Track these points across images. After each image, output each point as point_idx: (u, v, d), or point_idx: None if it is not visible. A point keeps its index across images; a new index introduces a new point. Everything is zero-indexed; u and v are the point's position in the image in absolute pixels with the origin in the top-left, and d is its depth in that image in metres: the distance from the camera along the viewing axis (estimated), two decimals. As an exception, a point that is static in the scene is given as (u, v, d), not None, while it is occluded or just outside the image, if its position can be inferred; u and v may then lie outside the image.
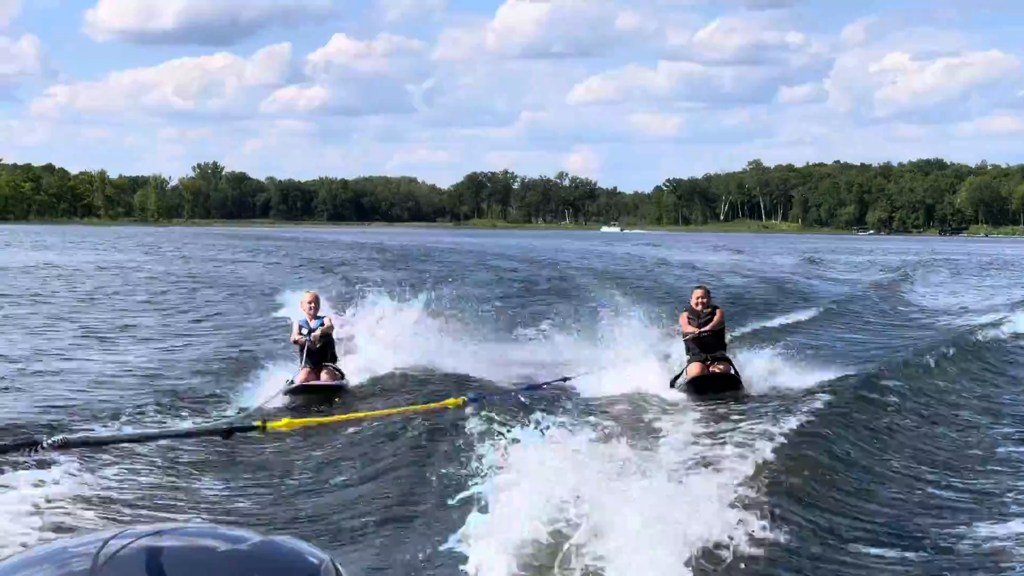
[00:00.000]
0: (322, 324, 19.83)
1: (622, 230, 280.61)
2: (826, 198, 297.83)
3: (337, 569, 2.91)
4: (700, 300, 20.58)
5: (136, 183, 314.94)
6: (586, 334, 24.12)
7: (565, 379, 19.06)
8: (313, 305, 20.00)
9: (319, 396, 19.27)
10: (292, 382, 19.14)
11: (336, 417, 14.93)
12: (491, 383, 20.08)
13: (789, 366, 21.42)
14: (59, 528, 10.54)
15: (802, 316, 36.52)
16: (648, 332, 23.18)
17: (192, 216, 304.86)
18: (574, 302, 35.09)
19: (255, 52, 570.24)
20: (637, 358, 21.14)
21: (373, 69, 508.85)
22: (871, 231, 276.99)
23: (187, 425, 15.18)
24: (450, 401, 14.67)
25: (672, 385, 20.02)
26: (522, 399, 17.25)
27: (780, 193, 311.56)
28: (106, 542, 2.80)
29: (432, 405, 15.24)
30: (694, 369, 19.96)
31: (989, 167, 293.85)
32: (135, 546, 2.79)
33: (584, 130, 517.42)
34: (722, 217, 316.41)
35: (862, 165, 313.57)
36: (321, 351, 19.64)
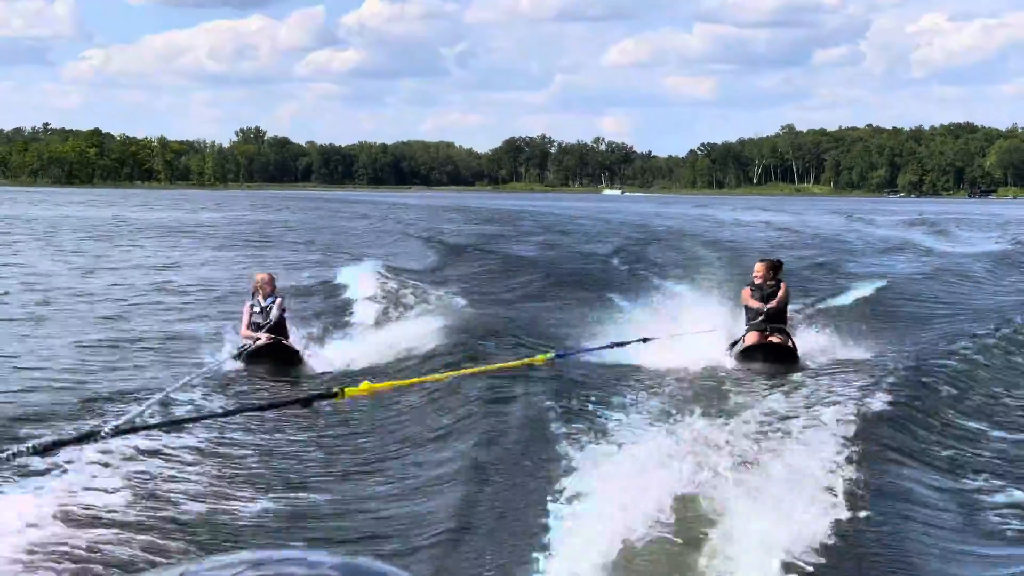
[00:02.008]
0: (277, 301, 19.69)
1: (623, 193, 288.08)
2: (858, 161, 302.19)
3: None
4: (763, 274, 20.30)
5: (191, 147, 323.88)
6: (657, 306, 23.96)
7: (645, 340, 17.90)
8: (268, 285, 19.75)
9: (281, 364, 18.93)
10: (246, 346, 18.93)
11: (417, 379, 14.03)
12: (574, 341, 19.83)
13: (850, 339, 21.12)
14: (129, 522, 9.99)
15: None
16: (717, 304, 23.15)
17: (238, 180, 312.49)
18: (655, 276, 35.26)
19: (289, 14, 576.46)
20: (710, 326, 20.65)
21: (406, 32, 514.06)
22: (901, 194, 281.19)
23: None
24: (539, 358, 14.77)
25: (730, 351, 19.85)
26: (604, 357, 17.04)
27: (812, 156, 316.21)
28: (188, 574, 2.90)
29: (520, 362, 14.67)
30: (751, 338, 19.75)
31: (1020, 130, 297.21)
32: (222, 574, 2.90)
33: (618, 93, 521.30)
34: (755, 181, 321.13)
35: (894, 129, 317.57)
36: (276, 328, 19.38)
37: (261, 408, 12.48)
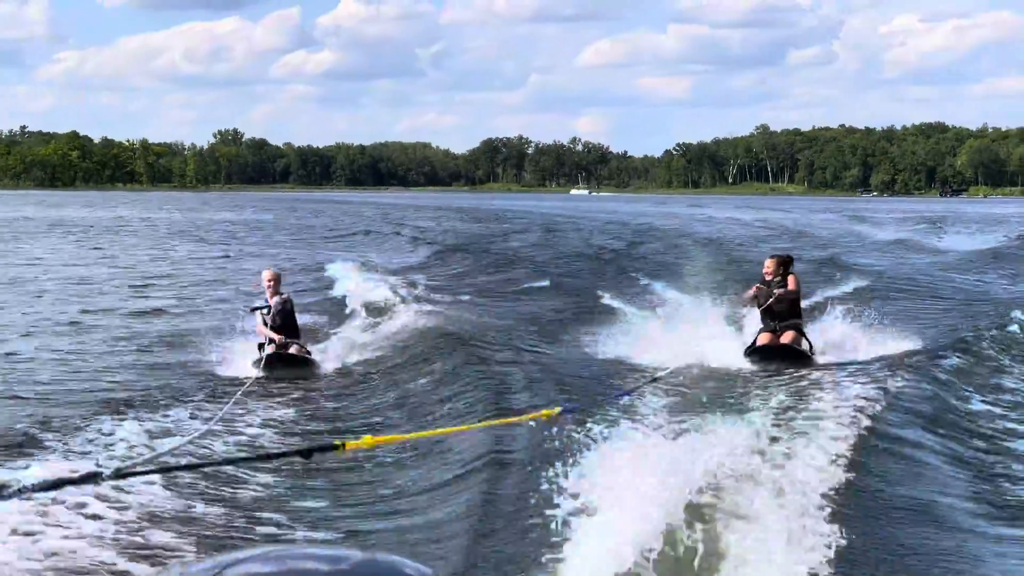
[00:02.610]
0: (281, 298, 19.71)
1: (590, 193, 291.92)
2: (831, 161, 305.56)
3: None
4: (773, 270, 20.09)
5: (170, 150, 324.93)
6: (660, 313, 23.65)
7: (655, 379, 17.78)
8: (273, 283, 19.82)
9: (291, 370, 19.06)
10: (261, 359, 18.91)
11: (418, 434, 13.96)
12: (579, 387, 18.58)
13: (866, 334, 20.97)
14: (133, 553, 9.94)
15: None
16: (720, 306, 23.12)
17: (219, 182, 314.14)
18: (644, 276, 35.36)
19: (264, 16, 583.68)
20: (716, 333, 20.70)
21: (382, 32, 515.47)
22: (874, 193, 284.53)
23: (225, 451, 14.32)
24: (544, 412, 14.87)
25: (745, 355, 19.61)
26: (619, 403, 16.48)
27: (786, 156, 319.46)
28: (220, 567, 2.96)
29: (524, 418, 13.73)
30: (762, 339, 19.66)
31: (989, 130, 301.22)
32: (243, 570, 2.94)
33: (593, 93, 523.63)
34: (730, 180, 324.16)
35: (866, 129, 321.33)
36: (282, 327, 19.49)
37: (261, 458, 11.99)
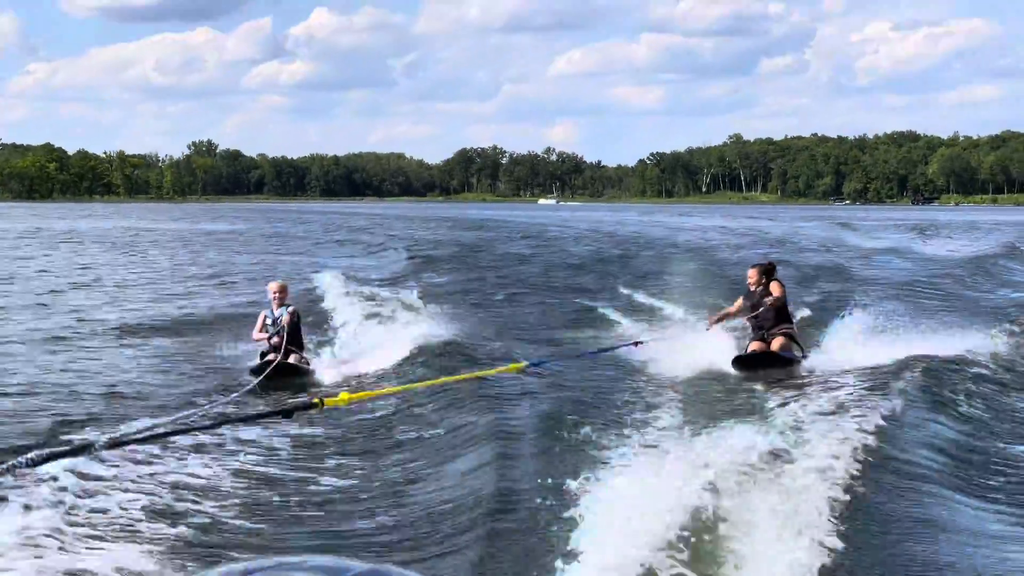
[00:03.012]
0: (287, 312, 19.78)
1: (557, 202, 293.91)
2: (804, 170, 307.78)
3: None
4: (755, 279, 20.18)
5: (146, 161, 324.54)
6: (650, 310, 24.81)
7: (637, 343, 18.15)
8: (280, 294, 20.01)
9: (287, 379, 19.08)
10: (258, 366, 19.13)
11: (393, 388, 14.06)
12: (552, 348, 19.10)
13: (860, 340, 21.16)
14: (130, 530, 10.10)
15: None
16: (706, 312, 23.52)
17: (196, 193, 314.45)
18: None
19: (236, 27, 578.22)
20: (703, 329, 21.08)
21: (354, 43, 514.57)
22: (847, 201, 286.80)
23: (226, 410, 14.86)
24: (512, 366, 14.61)
25: (733, 364, 19.49)
26: (586, 361, 16.67)
27: (759, 165, 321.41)
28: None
29: (493, 371, 14.65)
30: (752, 347, 19.79)
31: (960, 138, 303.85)
32: None
33: (566, 103, 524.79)
34: (704, 189, 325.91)
35: (839, 137, 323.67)
36: (289, 339, 19.62)
37: (244, 420, 12.17)
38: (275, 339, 19.57)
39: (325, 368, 19.92)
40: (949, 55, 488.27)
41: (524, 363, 14.32)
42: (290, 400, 15.52)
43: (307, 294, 31.94)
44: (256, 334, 19.91)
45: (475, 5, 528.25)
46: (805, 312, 25.76)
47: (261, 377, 18.14)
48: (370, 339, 22.78)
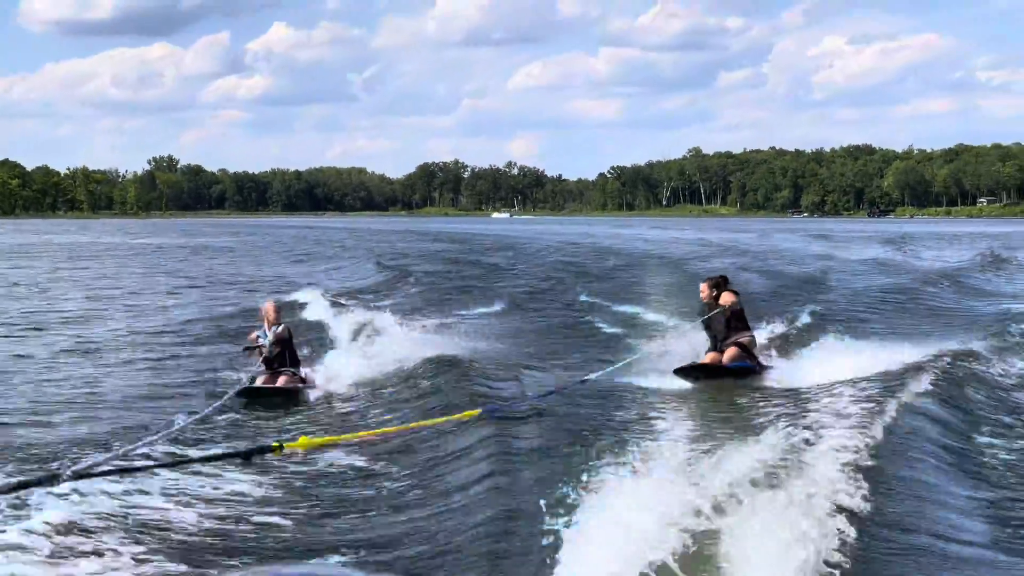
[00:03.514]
0: (277, 331, 19.87)
1: (511, 216, 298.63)
2: (762, 183, 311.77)
3: None
4: (706, 293, 20.46)
5: (107, 177, 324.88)
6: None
7: (583, 380, 18.05)
8: (273, 314, 20.16)
9: (276, 399, 19.01)
10: (244, 383, 19.17)
11: (351, 435, 14.18)
12: (505, 390, 18.50)
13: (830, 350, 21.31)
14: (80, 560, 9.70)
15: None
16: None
17: (161, 209, 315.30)
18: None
19: (194, 42, 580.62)
20: (659, 347, 21.22)
21: (313, 58, 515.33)
22: (805, 214, 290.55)
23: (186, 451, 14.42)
24: (466, 413, 14.23)
25: (675, 372, 19.49)
26: (541, 406, 16.26)
27: (719, 179, 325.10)
28: None
29: (446, 419, 14.33)
30: (706, 358, 19.91)
31: (915, 152, 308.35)
32: None
33: (526, 117, 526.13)
34: (664, 202, 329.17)
35: (796, 151, 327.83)
36: (279, 357, 19.75)
37: (203, 460, 11.75)
38: (269, 360, 19.75)
39: (312, 387, 19.78)
40: (903, 69, 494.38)
41: (477, 411, 14.27)
42: (248, 445, 14.83)
43: (297, 309, 32.20)
44: (251, 335, 20.28)
45: (434, 19, 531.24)
46: (779, 325, 26.10)
47: (222, 401, 17.51)
48: (359, 355, 22.61)
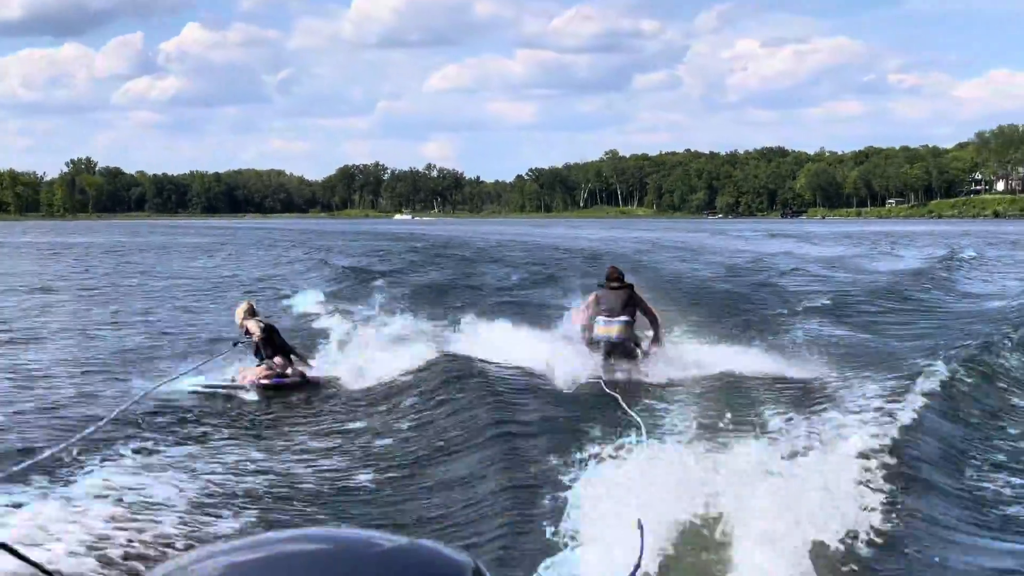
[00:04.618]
0: (261, 328, 19.77)
1: (412, 217, 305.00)
2: (678, 185, 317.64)
3: (482, 572, 2.91)
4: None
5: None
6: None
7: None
8: (248, 313, 20.06)
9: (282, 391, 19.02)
10: (233, 379, 19.08)
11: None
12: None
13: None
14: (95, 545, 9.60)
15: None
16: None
17: (87, 211, 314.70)
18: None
19: (106, 42, 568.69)
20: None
21: (228, 59, 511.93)
22: (720, 215, 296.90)
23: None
24: None
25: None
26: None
27: (636, 180, 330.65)
28: (251, 545, 2.92)
29: None
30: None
31: (826, 154, 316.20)
32: (282, 549, 2.90)
33: (442, 119, 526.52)
34: (581, 204, 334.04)
35: (711, 153, 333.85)
36: (275, 351, 19.63)
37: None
38: (265, 359, 19.53)
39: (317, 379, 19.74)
40: (816, 72, 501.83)
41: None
42: None
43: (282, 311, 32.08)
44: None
45: (349, 21, 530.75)
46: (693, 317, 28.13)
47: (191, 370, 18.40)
48: (352, 354, 21.85)
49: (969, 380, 18.52)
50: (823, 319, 28.74)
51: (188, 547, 9.09)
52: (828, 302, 33.11)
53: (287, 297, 37.20)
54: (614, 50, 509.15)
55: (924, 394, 16.30)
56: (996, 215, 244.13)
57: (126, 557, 9.44)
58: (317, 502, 11.89)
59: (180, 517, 10.78)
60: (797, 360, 20.49)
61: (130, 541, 9.82)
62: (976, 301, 36.71)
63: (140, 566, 9.17)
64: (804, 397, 17.17)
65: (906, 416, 14.64)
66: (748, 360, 20.32)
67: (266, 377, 19.01)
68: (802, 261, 60.83)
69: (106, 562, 9.32)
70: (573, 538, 9.26)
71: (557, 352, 20.10)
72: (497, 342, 21.77)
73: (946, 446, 14.15)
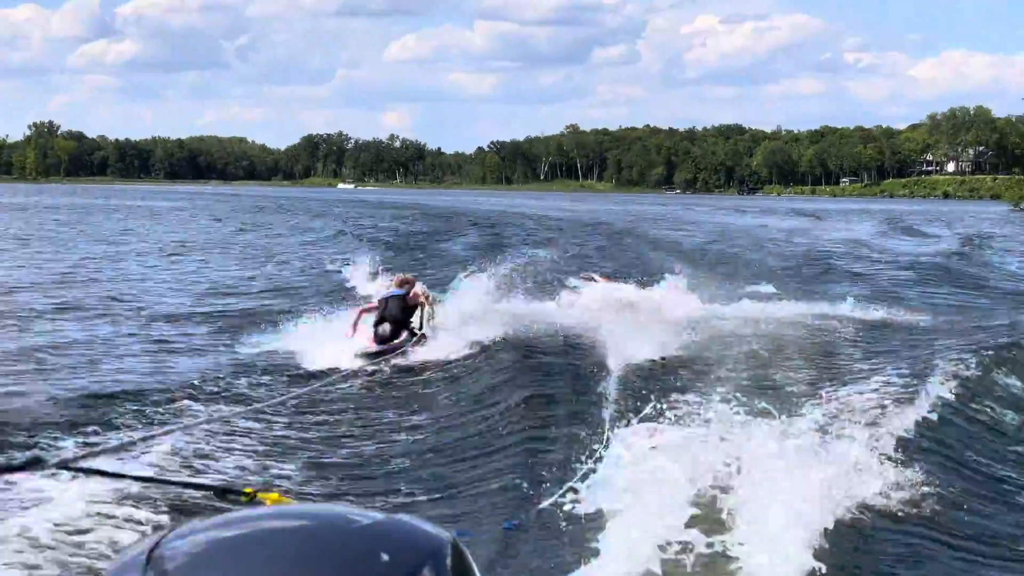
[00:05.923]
0: (400, 296, 21.42)
1: (355, 187, 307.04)
2: (637, 160, 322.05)
3: (459, 548, 2.89)
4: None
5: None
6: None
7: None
8: (398, 283, 21.98)
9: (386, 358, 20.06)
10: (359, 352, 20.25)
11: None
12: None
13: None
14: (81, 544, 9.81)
15: None
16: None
17: (59, 174, 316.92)
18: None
19: (61, 4, 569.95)
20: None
21: (186, 24, 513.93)
22: (678, 190, 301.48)
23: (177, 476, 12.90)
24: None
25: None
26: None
27: (596, 155, 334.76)
28: (228, 522, 2.86)
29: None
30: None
31: (783, 132, 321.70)
32: (259, 526, 2.88)
33: (401, 89, 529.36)
34: (542, 177, 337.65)
35: (670, 129, 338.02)
36: (395, 320, 21.16)
37: (174, 484, 11.17)
38: (384, 316, 21.25)
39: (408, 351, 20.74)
40: (774, 49, 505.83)
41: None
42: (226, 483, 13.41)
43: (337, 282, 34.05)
44: (354, 322, 21.49)
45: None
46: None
47: (353, 366, 19.59)
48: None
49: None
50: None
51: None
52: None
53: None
54: (574, 23, 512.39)
55: (941, 381, 17.49)
56: (946, 195, 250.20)
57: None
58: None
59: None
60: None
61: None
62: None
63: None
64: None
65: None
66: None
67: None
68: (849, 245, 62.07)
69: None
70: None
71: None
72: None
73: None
